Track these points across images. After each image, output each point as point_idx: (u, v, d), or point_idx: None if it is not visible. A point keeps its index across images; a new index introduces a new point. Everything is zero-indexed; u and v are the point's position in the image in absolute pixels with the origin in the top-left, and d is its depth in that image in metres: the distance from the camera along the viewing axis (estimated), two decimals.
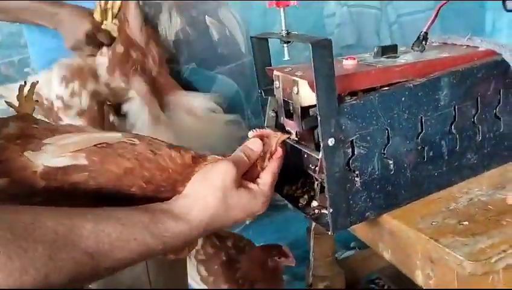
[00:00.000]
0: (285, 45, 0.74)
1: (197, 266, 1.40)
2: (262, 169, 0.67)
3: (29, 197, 0.59)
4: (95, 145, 0.61)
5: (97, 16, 1.09)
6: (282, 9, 0.72)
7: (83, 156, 0.60)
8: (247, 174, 0.65)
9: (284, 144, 0.71)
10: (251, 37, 0.79)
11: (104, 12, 1.08)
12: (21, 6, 1.12)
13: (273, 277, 1.40)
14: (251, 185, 0.64)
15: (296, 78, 0.70)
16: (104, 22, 1.09)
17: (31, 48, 1.37)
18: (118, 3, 1.09)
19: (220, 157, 0.65)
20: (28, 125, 0.65)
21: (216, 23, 1.54)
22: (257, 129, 0.70)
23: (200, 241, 1.36)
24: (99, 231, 0.50)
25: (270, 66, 0.81)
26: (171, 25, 1.48)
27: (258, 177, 0.66)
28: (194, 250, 1.36)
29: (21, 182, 0.59)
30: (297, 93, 0.70)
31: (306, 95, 0.69)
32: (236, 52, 1.60)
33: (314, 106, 0.67)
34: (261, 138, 0.68)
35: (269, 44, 0.80)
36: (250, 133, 0.70)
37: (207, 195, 0.59)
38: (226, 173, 0.60)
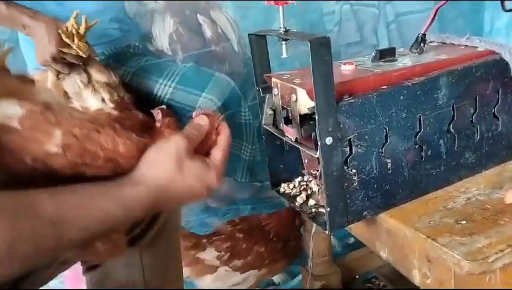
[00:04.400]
0: (283, 42, 0.74)
1: (230, 268, 1.36)
2: (212, 145, 0.68)
3: None
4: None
5: (64, 37, 1.08)
6: (280, 7, 0.72)
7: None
8: (198, 150, 0.67)
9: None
10: (249, 34, 0.79)
11: (71, 34, 1.08)
12: None
13: (299, 235, 1.45)
14: (204, 158, 0.66)
15: (295, 86, 0.69)
16: (73, 44, 1.09)
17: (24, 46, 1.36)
18: (83, 25, 1.09)
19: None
20: None
21: (208, 22, 1.54)
22: (199, 110, 0.73)
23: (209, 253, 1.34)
24: (58, 200, 0.52)
25: (268, 63, 0.80)
26: (164, 28, 1.48)
27: (209, 153, 0.68)
28: (216, 263, 1.34)
29: None
30: (295, 101, 0.70)
31: (304, 103, 0.69)
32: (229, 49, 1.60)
33: (313, 113, 0.66)
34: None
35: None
36: (194, 113, 0.71)
37: (162, 161, 0.62)
38: (178, 144, 0.62)
